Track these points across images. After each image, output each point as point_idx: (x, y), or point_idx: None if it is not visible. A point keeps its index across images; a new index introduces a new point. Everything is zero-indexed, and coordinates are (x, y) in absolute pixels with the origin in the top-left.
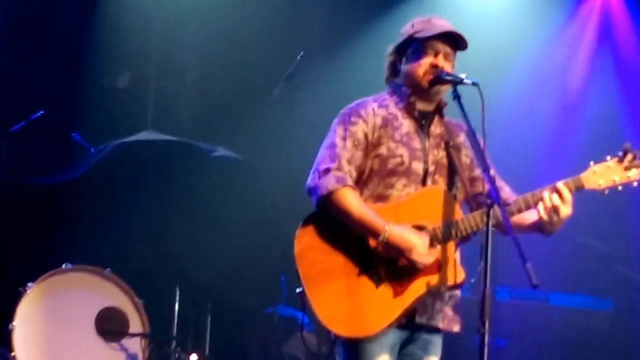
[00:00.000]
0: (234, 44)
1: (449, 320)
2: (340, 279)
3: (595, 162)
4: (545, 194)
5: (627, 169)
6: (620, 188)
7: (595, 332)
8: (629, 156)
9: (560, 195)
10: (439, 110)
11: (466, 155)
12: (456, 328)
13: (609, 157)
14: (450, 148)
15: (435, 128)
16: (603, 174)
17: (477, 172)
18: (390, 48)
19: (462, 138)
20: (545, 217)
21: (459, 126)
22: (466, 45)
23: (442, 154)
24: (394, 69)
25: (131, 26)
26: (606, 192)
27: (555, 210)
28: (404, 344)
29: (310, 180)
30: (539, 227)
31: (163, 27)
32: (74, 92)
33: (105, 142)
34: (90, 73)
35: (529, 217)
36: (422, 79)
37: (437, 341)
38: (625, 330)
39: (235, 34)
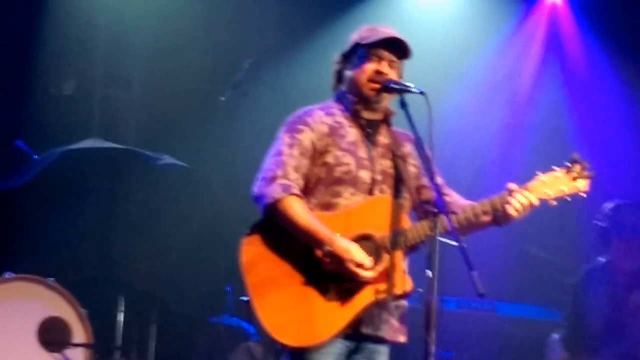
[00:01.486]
0: (180, 51)
1: (394, 330)
2: (286, 288)
3: (543, 172)
4: (513, 200)
5: (575, 179)
6: (568, 199)
7: (543, 342)
8: (577, 167)
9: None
10: (385, 119)
11: (413, 165)
12: (402, 338)
13: (556, 167)
14: (397, 158)
15: (382, 137)
16: (551, 184)
17: (425, 181)
18: (337, 55)
19: (408, 147)
20: (516, 215)
21: (405, 135)
22: (410, 53)
23: (388, 163)
24: (340, 77)
25: (77, 33)
26: (554, 203)
27: (524, 208)
28: (350, 355)
29: (256, 188)
30: (494, 222)
31: (109, 34)
32: (19, 98)
33: (51, 149)
34: (36, 79)
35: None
36: (364, 86)
37: (384, 351)
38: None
39: (182, 41)
